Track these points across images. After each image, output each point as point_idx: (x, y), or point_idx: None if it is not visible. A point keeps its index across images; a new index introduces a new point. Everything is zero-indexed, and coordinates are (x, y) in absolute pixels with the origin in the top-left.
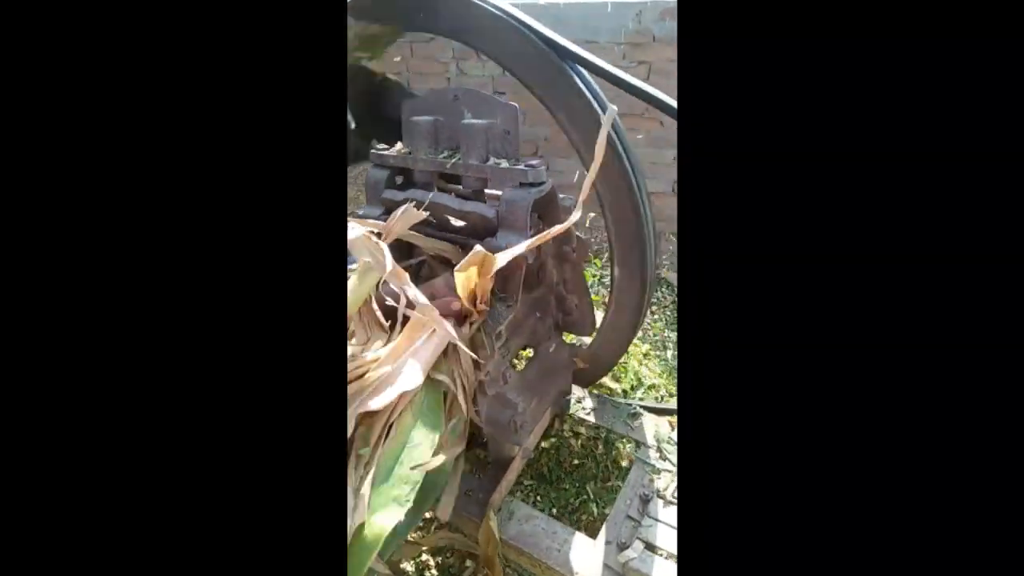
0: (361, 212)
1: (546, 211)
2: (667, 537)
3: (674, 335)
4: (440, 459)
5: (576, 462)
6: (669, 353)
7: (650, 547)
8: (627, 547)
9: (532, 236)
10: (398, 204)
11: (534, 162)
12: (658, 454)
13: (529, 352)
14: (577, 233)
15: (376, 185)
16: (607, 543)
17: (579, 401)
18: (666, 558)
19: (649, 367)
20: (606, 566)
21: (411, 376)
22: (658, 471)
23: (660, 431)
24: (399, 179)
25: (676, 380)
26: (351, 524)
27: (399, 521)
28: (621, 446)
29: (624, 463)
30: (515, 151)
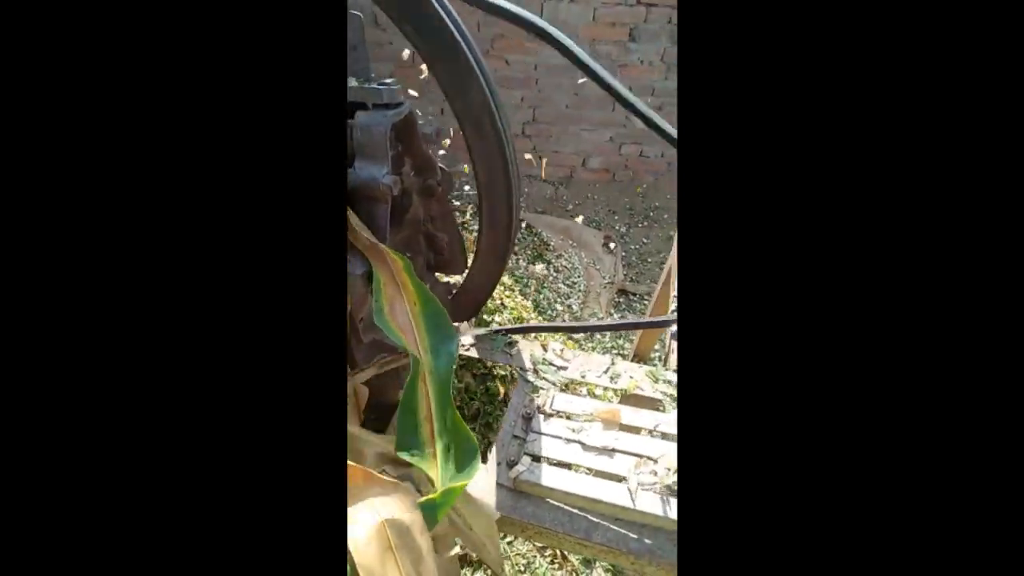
0: None
1: (406, 138)
2: (550, 447)
3: (534, 267)
4: None
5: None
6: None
7: (535, 459)
8: (515, 463)
9: (393, 165)
10: None
11: (388, 80)
12: (535, 375)
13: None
14: (441, 165)
15: None
16: (498, 464)
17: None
18: (551, 465)
19: (512, 298)
20: (499, 485)
21: None
22: (536, 389)
23: (535, 354)
24: None
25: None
26: None
27: None
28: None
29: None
30: (365, 68)
